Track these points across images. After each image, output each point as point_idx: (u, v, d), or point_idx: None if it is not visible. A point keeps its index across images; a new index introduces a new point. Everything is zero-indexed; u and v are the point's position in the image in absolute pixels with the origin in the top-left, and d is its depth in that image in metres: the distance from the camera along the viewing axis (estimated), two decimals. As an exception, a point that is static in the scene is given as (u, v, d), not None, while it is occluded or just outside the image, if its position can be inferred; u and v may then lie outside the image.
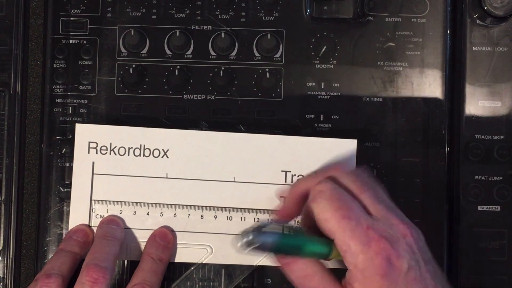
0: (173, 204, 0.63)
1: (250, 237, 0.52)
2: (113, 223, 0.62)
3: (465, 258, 0.64)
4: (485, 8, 0.64)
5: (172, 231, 0.63)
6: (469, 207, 0.65)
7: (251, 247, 0.52)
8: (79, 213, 0.63)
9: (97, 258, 0.58)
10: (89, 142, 0.63)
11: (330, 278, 0.54)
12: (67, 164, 0.65)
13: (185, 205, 0.63)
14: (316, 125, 0.65)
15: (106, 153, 0.63)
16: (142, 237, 0.62)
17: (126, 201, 0.63)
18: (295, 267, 0.55)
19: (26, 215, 0.65)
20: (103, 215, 0.63)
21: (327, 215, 0.53)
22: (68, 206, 0.63)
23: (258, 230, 0.52)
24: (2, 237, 0.63)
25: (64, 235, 0.63)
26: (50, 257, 0.63)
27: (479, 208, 0.65)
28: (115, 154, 0.63)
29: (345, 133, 0.65)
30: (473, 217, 0.65)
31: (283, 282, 0.64)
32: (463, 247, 0.65)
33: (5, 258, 0.63)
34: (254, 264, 0.63)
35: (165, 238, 0.62)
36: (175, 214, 0.63)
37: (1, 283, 0.63)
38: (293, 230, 0.54)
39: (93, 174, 0.63)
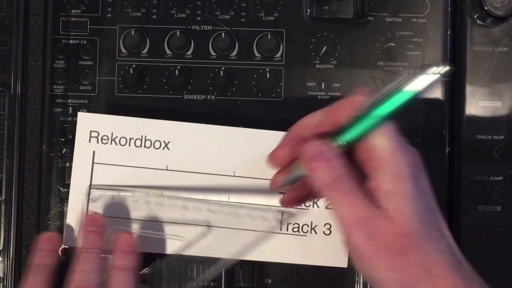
0: (172, 196, 0.63)
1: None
2: (95, 224, 0.60)
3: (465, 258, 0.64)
4: (485, 8, 0.64)
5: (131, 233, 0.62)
6: (469, 207, 0.65)
7: None
8: (77, 201, 0.62)
9: (79, 280, 0.57)
10: (91, 131, 0.63)
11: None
12: (67, 164, 0.65)
13: (184, 197, 0.63)
14: (316, 125, 0.65)
15: (107, 142, 0.63)
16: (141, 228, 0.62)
17: (125, 191, 0.63)
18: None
19: (26, 215, 0.64)
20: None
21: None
22: (68, 206, 0.64)
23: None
24: (2, 237, 0.63)
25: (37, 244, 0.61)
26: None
27: (479, 208, 0.65)
28: (116, 144, 0.63)
29: (345, 133, 0.64)
30: (473, 217, 0.65)
31: (283, 282, 0.64)
32: (463, 247, 0.64)
33: (5, 258, 0.63)
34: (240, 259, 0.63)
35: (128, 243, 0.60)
36: (174, 206, 0.63)
37: (1, 283, 0.63)
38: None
39: (93, 163, 0.63)
